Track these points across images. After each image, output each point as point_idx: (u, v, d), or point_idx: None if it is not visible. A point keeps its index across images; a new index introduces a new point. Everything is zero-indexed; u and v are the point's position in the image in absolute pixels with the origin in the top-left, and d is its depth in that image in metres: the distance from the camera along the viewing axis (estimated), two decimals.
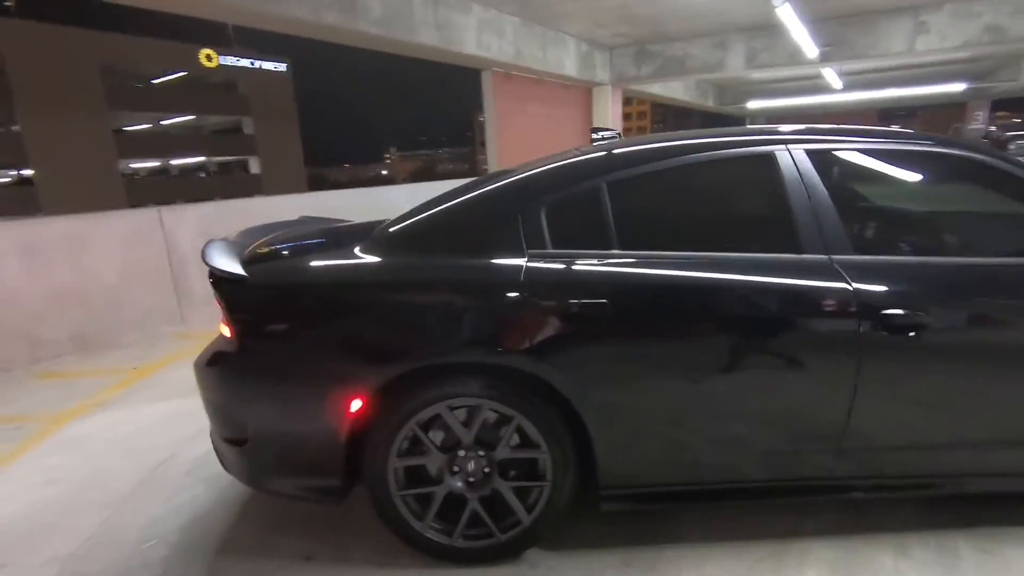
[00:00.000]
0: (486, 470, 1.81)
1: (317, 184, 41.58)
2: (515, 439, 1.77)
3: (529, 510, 1.81)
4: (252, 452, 1.83)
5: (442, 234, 1.84)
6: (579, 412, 1.71)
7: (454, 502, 1.81)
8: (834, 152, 1.85)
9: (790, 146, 1.83)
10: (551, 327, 1.68)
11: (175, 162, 33.48)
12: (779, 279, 1.71)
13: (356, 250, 1.83)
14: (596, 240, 1.77)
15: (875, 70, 13.87)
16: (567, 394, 1.70)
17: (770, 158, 1.82)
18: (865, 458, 1.79)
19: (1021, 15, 7.84)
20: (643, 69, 10.39)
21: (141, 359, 4.11)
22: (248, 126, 32.28)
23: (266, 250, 1.94)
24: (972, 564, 1.77)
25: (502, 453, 1.78)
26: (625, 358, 1.71)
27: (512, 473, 1.83)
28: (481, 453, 1.80)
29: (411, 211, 1.99)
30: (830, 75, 12.93)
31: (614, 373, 1.71)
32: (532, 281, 1.69)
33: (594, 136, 2.07)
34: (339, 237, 2.19)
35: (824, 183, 1.79)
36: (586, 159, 1.88)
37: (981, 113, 21.42)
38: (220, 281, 1.77)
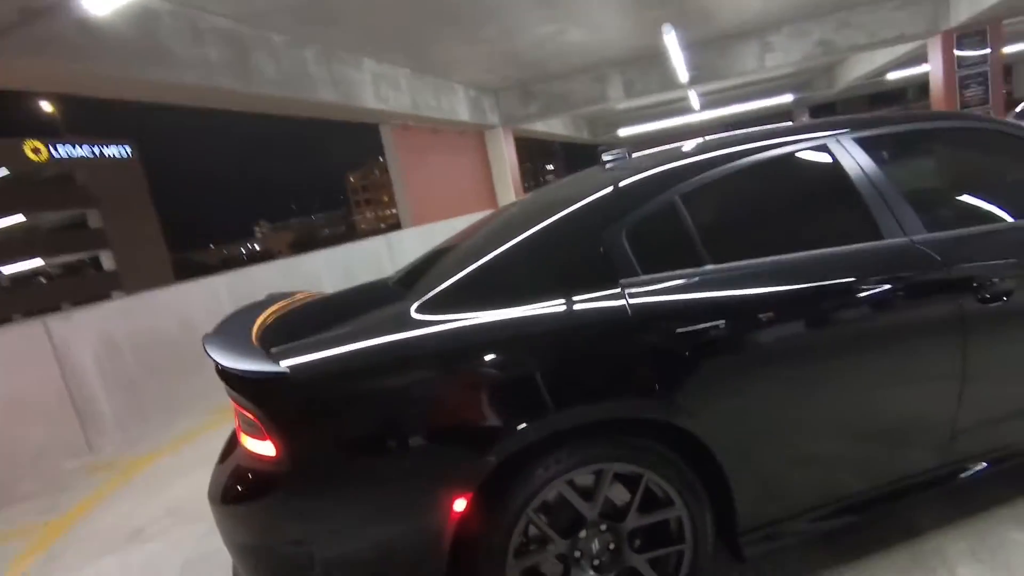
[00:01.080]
0: (611, 546, 1.53)
1: (185, 271, 38.22)
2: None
3: None
4: None
5: (514, 279, 1.56)
6: (712, 452, 1.50)
7: None
8: (879, 137, 1.85)
9: (839, 136, 1.80)
10: (672, 362, 1.47)
11: (5, 271, 29.09)
12: (878, 269, 1.64)
13: (411, 313, 1.49)
14: (684, 258, 1.60)
15: (722, 89, 15.46)
16: (699, 433, 1.48)
17: (825, 149, 1.78)
18: (979, 435, 1.75)
19: (844, 30, 9.12)
20: (530, 108, 10.71)
21: (51, 510, 3.27)
22: (95, 218, 29.13)
23: (285, 337, 1.53)
24: None
25: (633, 521, 1.51)
26: (750, 380, 1.53)
27: (637, 543, 1.56)
28: (603, 528, 1.52)
29: (440, 265, 1.71)
30: (693, 97, 14.17)
31: (742, 399, 1.52)
32: (640, 313, 1.48)
33: (605, 158, 1.92)
34: (353, 307, 1.82)
35: (879, 167, 1.77)
36: (651, 174, 1.71)
37: (804, 118, 24.78)
38: (247, 385, 1.36)
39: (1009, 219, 1.81)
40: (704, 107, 16.31)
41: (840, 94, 19.97)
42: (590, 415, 1.44)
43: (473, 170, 10.82)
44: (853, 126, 1.84)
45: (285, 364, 1.34)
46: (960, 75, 8.85)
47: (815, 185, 1.83)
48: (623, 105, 13.77)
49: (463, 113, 9.46)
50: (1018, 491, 1.92)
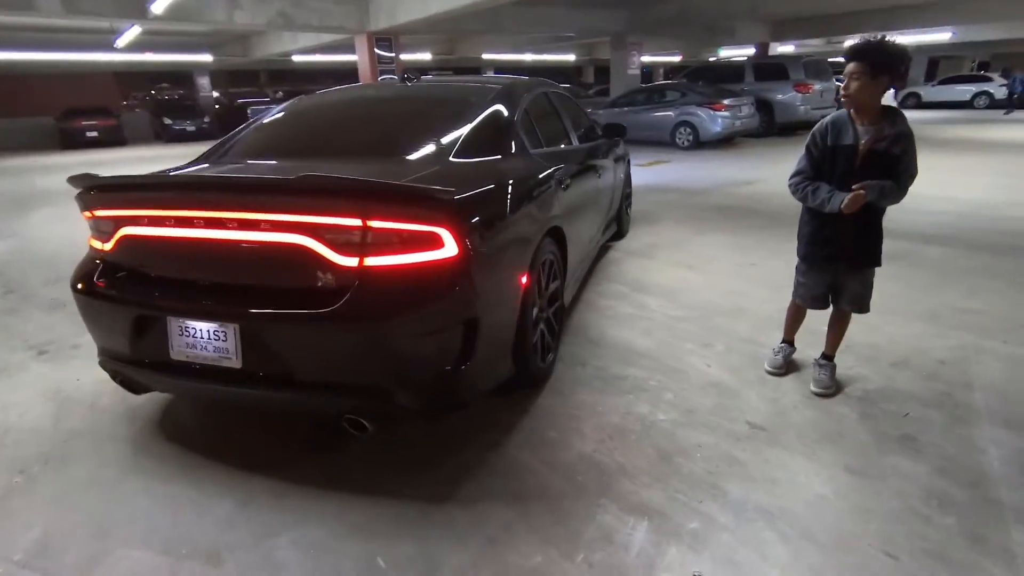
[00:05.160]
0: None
1: None
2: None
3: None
4: (481, 358, 1.98)
5: (482, 144, 2.50)
6: (565, 237, 2.88)
7: None
8: (553, 92, 3.53)
9: (547, 89, 3.38)
10: (560, 196, 2.77)
11: None
12: (582, 155, 3.38)
13: (452, 158, 2.23)
14: (537, 142, 2.85)
15: (156, 32, 14.13)
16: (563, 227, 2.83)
17: (545, 95, 3.33)
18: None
19: (300, 9, 10.54)
20: None
21: None
22: None
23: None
24: None
25: (550, 287, 2.71)
26: (572, 200, 2.99)
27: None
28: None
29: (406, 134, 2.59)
30: (130, 34, 12.37)
31: (571, 210, 3.01)
32: (546, 168, 2.73)
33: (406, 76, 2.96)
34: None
35: (560, 107, 3.48)
36: (518, 84, 2.88)
37: (204, 80, 24.52)
38: (434, 206, 1.82)
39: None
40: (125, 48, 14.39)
41: (250, 63, 21.28)
42: (551, 224, 2.56)
43: None
44: (549, 85, 3.47)
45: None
46: (380, 68, 11.91)
47: (553, 111, 3.37)
48: None
49: None
50: None
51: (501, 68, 29.25)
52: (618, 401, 2.55)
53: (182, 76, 27.17)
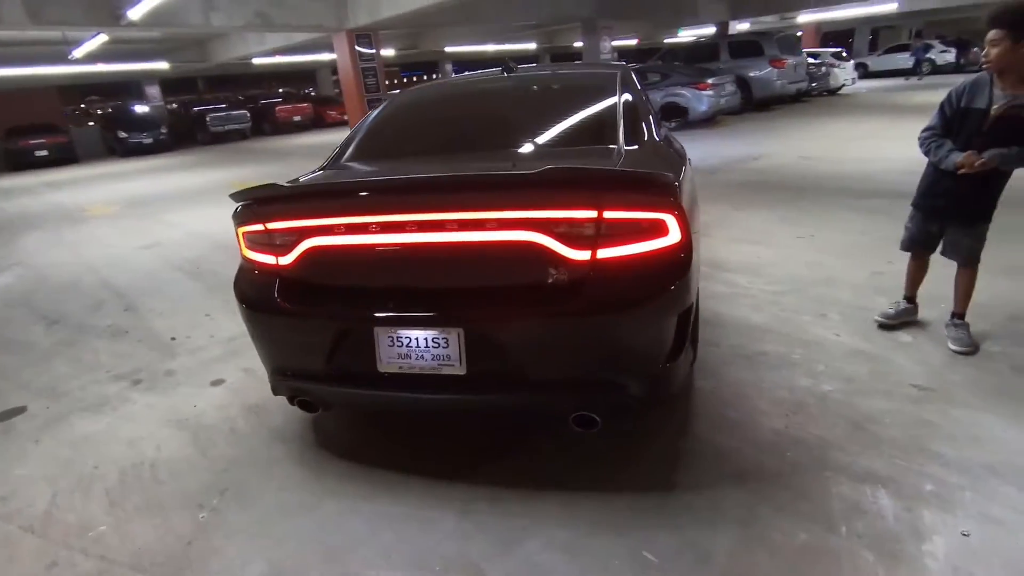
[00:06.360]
0: None
1: None
2: None
3: None
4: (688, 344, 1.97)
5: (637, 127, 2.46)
6: None
7: None
8: None
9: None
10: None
11: None
12: None
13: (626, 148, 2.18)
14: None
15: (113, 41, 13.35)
16: None
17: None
18: None
19: (278, 8, 10.15)
20: None
21: None
22: None
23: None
24: None
25: None
26: None
27: None
28: None
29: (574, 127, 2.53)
30: (89, 46, 11.64)
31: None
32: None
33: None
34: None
35: None
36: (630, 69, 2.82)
37: (153, 90, 23.36)
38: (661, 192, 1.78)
39: None
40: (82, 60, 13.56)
41: (210, 68, 20.40)
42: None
43: None
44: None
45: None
46: (362, 66, 11.62)
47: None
48: None
49: None
50: None
51: (462, 60, 28.95)
52: (775, 376, 2.58)
53: (129, 86, 25.86)
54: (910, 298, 2.93)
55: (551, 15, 14.86)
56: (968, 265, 2.67)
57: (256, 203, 1.99)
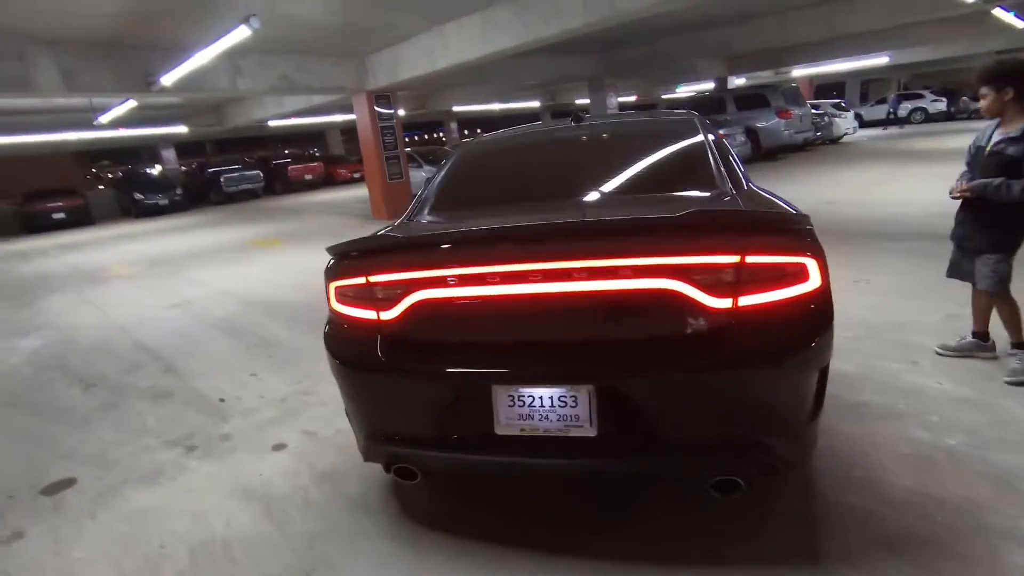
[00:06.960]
0: None
1: None
2: None
3: None
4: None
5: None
6: None
7: None
8: None
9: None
10: None
11: None
12: None
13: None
14: None
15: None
16: None
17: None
18: None
19: (301, 72, 10.45)
20: None
21: None
22: None
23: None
24: None
25: None
26: None
27: None
28: None
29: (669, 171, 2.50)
30: (116, 112, 11.90)
31: None
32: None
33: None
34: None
35: None
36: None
37: (169, 153, 23.91)
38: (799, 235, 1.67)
39: None
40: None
41: (228, 132, 20.85)
42: None
43: None
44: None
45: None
46: (380, 125, 11.86)
47: None
48: None
49: None
50: None
51: (470, 119, 29.81)
52: (887, 429, 2.41)
53: (139, 150, 26.46)
54: (977, 333, 2.97)
55: (559, 74, 15.32)
56: (994, 294, 2.75)
57: (359, 255, 1.89)
